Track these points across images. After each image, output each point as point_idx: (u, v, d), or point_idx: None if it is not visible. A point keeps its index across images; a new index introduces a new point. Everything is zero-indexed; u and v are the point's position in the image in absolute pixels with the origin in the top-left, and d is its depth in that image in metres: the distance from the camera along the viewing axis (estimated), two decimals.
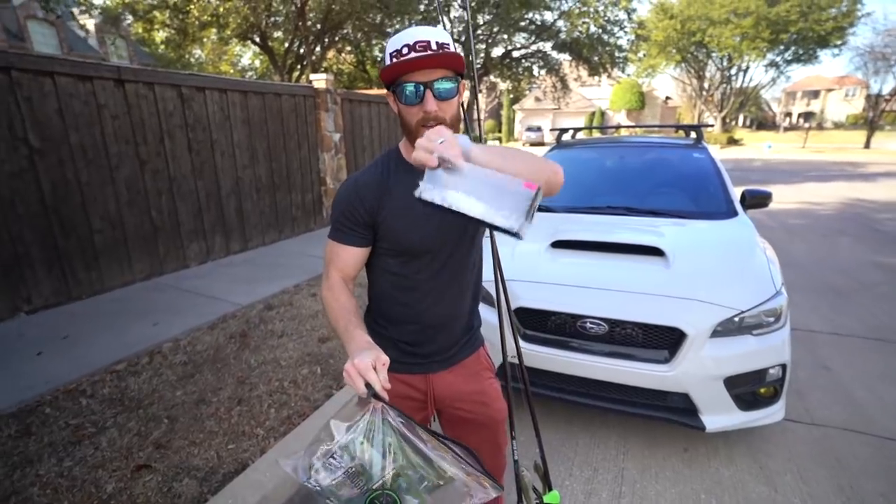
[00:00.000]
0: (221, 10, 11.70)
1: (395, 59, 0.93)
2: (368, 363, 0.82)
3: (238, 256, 5.18)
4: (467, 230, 1.11)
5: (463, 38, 16.27)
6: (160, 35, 13.84)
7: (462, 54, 0.96)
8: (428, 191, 0.70)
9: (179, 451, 2.05)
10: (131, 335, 3.16)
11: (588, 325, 2.09)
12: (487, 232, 1.15)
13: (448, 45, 0.95)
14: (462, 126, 1.07)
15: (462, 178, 0.69)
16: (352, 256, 1.09)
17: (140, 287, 4.14)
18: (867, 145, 28.09)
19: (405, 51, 0.93)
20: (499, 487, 0.79)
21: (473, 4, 15.10)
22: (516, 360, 1.30)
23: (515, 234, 0.66)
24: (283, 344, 3.08)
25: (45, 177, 3.53)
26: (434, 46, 0.93)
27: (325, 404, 2.41)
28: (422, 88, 0.93)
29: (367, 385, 0.80)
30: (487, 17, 15.08)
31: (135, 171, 4.15)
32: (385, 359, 0.85)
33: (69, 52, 21.17)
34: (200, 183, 4.77)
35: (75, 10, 12.16)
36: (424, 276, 1.10)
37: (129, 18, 12.80)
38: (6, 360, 2.83)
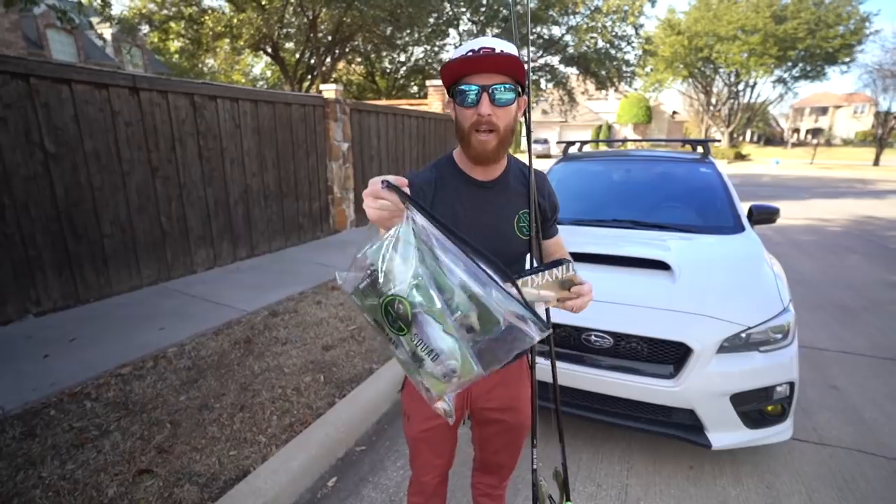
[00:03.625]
0: (235, 21, 11.93)
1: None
2: (378, 178, 0.76)
3: (245, 263, 5.21)
4: (511, 241, 1.11)
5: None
6: (175, 45, 14.13)
7: (522, 63, 0.97)
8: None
9: (181, 457, 2.05)
10: (137, 339, 3.18)
11: (593, 338, 2.08)
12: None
13: (513, 55, 0.96)
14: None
15: None
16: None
17: (147, 292, 4.17)
18: (876, 162, 27.95)
19: (470, 55, 0.94)
20: (545, 327, 0.73)
21: (482, 19, 15.31)
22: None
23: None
24: (287, 351, 3.09)
25: (58, 181, 3.59)
26: (498, 52, 0.94)
27: (327, 413, 2.40)
28: (479, 91, 0.94)
29: (384, 183, 0.74)
30: (496, 31, 15.25)
31: (146, 178, 4.21)
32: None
33: (86, 60, 21.61)
34: (209, 190, 4.82)
35: (94, 20, 12.44)
36: None
37: (146, 28, 13.08)
38: (13, 362, 2.86)
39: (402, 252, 0.72)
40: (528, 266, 1.10)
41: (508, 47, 0.96)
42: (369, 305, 0.76)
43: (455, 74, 0.96)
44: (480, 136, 0.98)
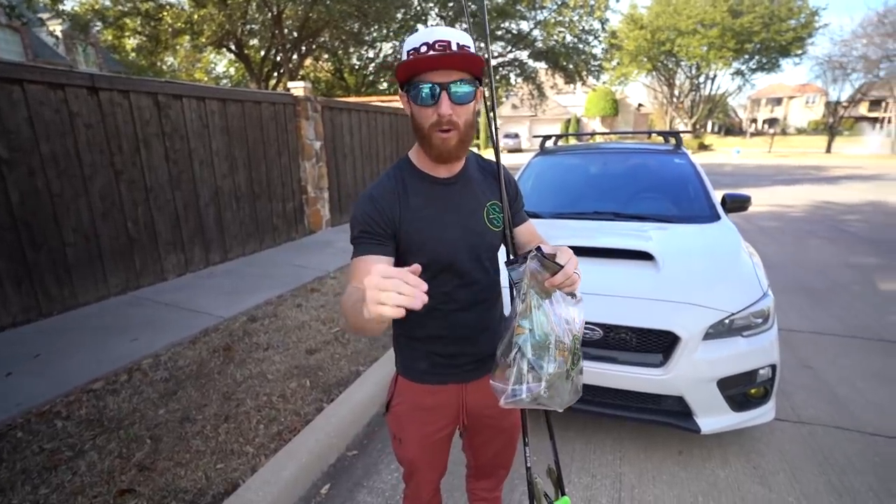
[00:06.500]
0: (196, 17, 11.47)
1: (412, 57, 0.90)
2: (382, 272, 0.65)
3: (218, 267, 5.04)
4: (485, 234, 1.08)
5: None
6: (131, 42, 13.51)
7: (482, 57, 0.94)
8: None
9: (165, 473, 1.96)
10: (108, 352, 3.03)
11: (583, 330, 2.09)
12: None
13: (469, 47, 0.92)
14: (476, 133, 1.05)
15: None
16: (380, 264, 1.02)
17: (116, 302, 3.98)
18: (828, 150, 29.40)
19: (423, 49, 0.90)
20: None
21: (451, 14, 15.26)
22: None
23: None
24: (270, 357, 3.00)
25: (13, 188, 3.37)
26: (454, 47, 0.90)
27: (316, 418, 2.34)
28: (438, 89, 0.90)
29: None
30: (464, 27, 15.22)
31: (109, 182, 4.00)
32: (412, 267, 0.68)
33: (35, 59, 20.42)
34: (178, 193, 4.63)
35: (43, 16, 11.75)
36: (450, 287, 1.07)
37: (99, 25, 12.44)
38: None
39: (544, 307, 0.86)
40: (505, 257, 1.09)
41: (464, 39, 0.92)
42: (560, 373, 0.85)
43: (409, 72, 0.91)
44: (442, 134, 0.94)
